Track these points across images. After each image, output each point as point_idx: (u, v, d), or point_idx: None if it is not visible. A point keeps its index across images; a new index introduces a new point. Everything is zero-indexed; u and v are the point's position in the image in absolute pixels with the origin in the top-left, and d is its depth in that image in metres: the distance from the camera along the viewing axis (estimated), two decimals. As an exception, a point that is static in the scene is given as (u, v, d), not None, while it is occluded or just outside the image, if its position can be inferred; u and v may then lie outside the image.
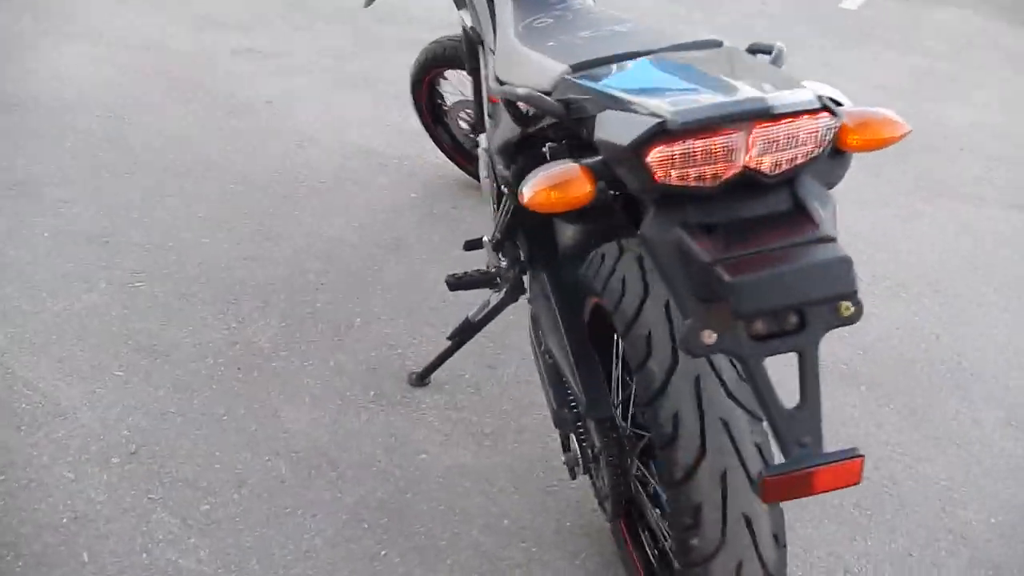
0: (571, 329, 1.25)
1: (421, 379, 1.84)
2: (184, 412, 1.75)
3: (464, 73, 2.36)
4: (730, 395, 0.98)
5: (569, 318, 1.26)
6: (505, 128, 1.27)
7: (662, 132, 0.74)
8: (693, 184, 0.78)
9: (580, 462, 1.32)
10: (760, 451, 0.97)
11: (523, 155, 1.30)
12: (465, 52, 2.07)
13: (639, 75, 1.01)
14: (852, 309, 0.73)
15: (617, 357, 1.27)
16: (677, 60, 1.04)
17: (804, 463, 0.74)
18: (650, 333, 1.02)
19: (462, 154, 2.60)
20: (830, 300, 0.71)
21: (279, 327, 2.01)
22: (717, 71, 0.96)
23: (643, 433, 1.23)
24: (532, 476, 1.64)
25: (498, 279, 1.72)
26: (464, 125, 2.48)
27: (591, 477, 1.35)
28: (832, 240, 0.73)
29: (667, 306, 1.03)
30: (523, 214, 1.48)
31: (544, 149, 1.14)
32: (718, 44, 1.08)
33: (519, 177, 1.48)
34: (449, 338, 1.80)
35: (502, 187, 1.48)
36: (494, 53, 1.46)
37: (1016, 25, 5.23)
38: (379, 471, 1.63)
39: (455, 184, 2.70)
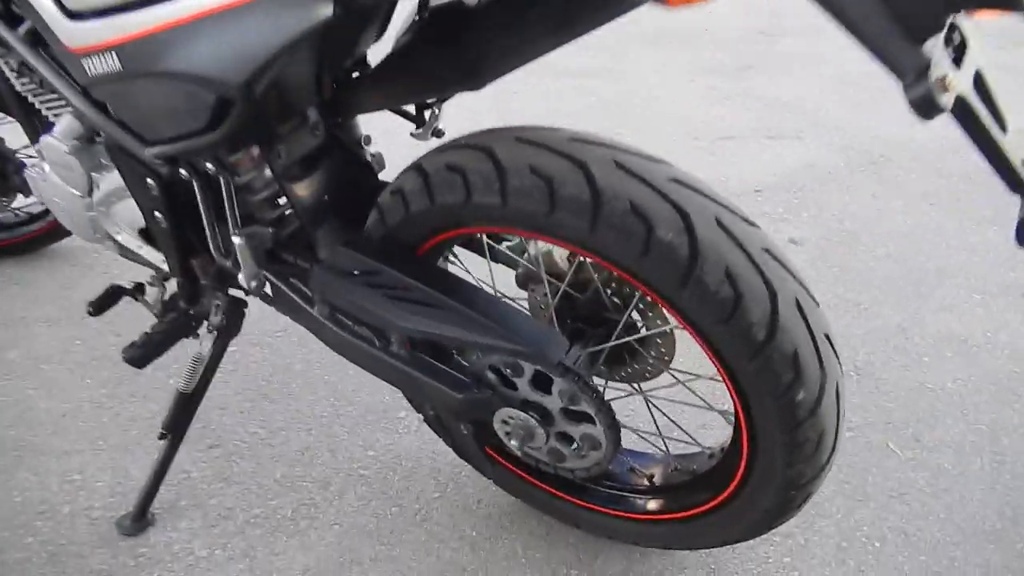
0: (456, 291, 0.89)
1: (141, 517, 1.20)
2: None
3: None
4: (744, 219, 0.81)
5: (437, 281, 0.90)
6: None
7: None
8: None
9: (523, 438, 1.00)
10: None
11: None
12: None
13: None
14: None
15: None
16: None
17: None
18: (632, 202, 0.77)
19: None
20: None
21: None
22: None
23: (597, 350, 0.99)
24: (403, 516, 1.23)
25: (193, 321, 1.17)
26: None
27: (530, 444, 1.03)
28: None
29: (616, 162, 0.79)
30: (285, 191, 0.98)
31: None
32: None
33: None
34: (163, 435, 1.18)
35: (216, 175, 0.93)
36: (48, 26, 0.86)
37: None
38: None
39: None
